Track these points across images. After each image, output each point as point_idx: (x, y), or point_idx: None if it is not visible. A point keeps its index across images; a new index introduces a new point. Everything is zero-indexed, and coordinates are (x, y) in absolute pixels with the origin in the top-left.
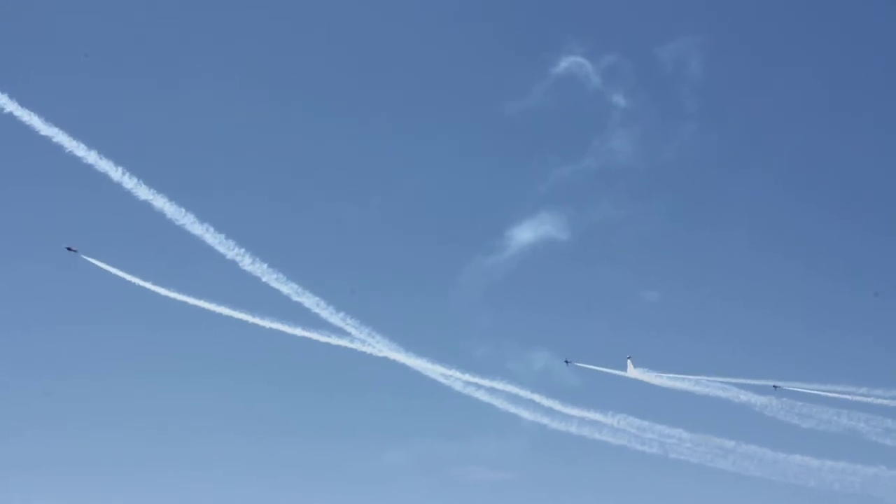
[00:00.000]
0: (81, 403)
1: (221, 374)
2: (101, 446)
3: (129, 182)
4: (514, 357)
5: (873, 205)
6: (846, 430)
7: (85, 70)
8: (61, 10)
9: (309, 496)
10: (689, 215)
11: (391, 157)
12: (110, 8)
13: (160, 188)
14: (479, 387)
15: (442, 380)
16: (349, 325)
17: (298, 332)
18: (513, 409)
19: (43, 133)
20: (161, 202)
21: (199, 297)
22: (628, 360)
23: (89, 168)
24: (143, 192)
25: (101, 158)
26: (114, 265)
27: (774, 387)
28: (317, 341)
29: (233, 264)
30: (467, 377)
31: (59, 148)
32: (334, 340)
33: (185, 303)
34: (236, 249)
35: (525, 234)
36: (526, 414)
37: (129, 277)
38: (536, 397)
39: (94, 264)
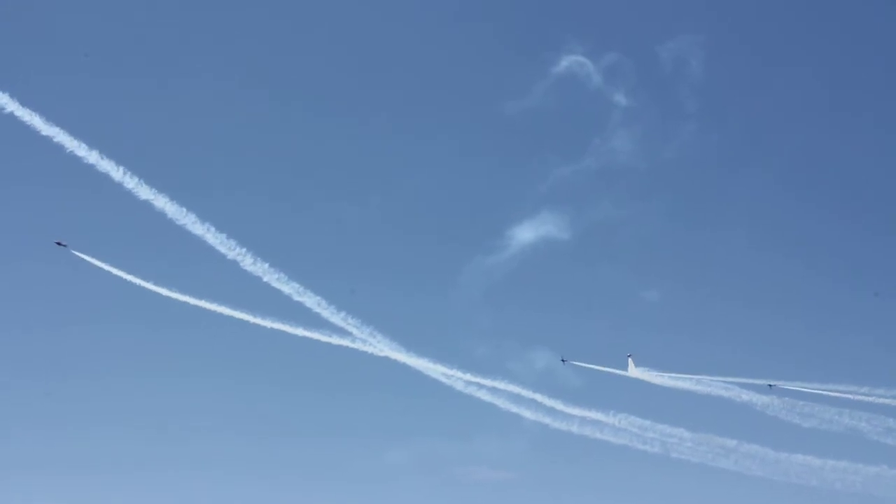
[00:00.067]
0: (81, 403)
1: (222, 374)
2: (101, 446)
3: (130, 182)
4: (515, 357)
5: (873, 205)
6: (848, 430)
7: (85, 70)
8: (61, 10)
9: (310, 496)
10: (689, 215)
11: (391, 157)
12: (110, 8)
13: (161, 188)
14: (480, 386)
15: (443, 379)
16: (350, 324)
17: (300, 332)
18: (514, 408)
19: (44, 133)
20: (162, 202)
21: (200, 297)
22: (629, 359)
23: (90, 168)
24: (144, 192)
25: (102, 159)
26: (116, 266)
27: (770, 386)
28: (318, 341)
29: (234, 264)
30: (468, 377)
31: (59, 148)
32: (335, 340)
33: (185, 303)
34: (237, 249)
35: (526, 233)
36: (527, 414)
37: (116, 272)
38: (538, 397)
39: (85, 260)
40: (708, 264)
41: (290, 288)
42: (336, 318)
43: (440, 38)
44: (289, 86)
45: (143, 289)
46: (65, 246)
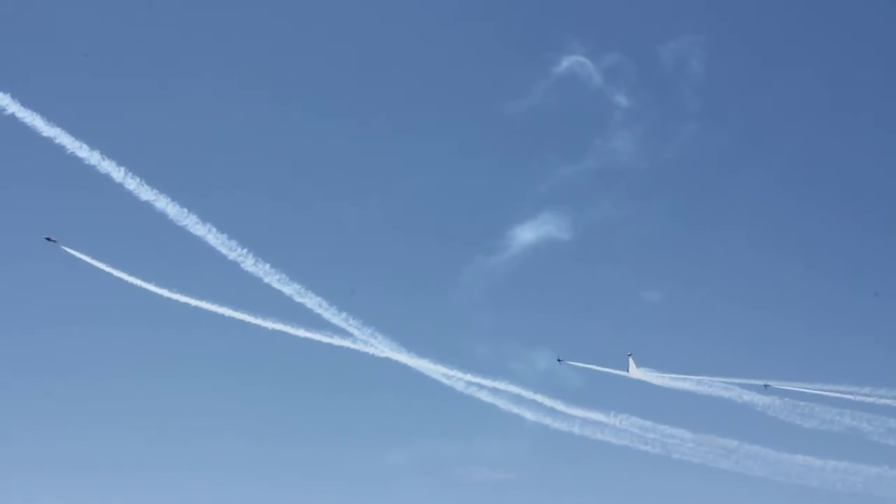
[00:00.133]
0: (81, 403)
1: (223, 375)
2: (101, 446)
3: (131, 183)
4: (516, 357)
5: (873, 205)
6: (849, 430)
7: (85, 70)
8: (61, 10)
9: (311, 496)
10: (689, 215)
11: (391, 157)
12: (110, 8)
13: (161, 188)
14: (481, 387)
15: (444, 380)
16: (351, 325)
17: (301, 333)
18: (515, 409)
19: (45, 134)
20: (163, 203)
21: (201, 298)
22: (629, 358)
23: (91, 169)
24: (145, 193)
25: (103, 159)
26: (118, 267)
27: (765, 386)
28: (319, 342)
29: (234, 265)
30: (469, 377)
31: (60, 149)
32: (336, 341)
33: (186, 304)
34: (238, 250)
35: (526, 234)
36: (528, 414)
37: (117, 273)
38: (539, 398)
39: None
40: (708, 264)
41: (290, 289)
42: (337, 319)
43: (440, 38)
44: (289, 86)
45: (144, 289)
46: (55, 241)
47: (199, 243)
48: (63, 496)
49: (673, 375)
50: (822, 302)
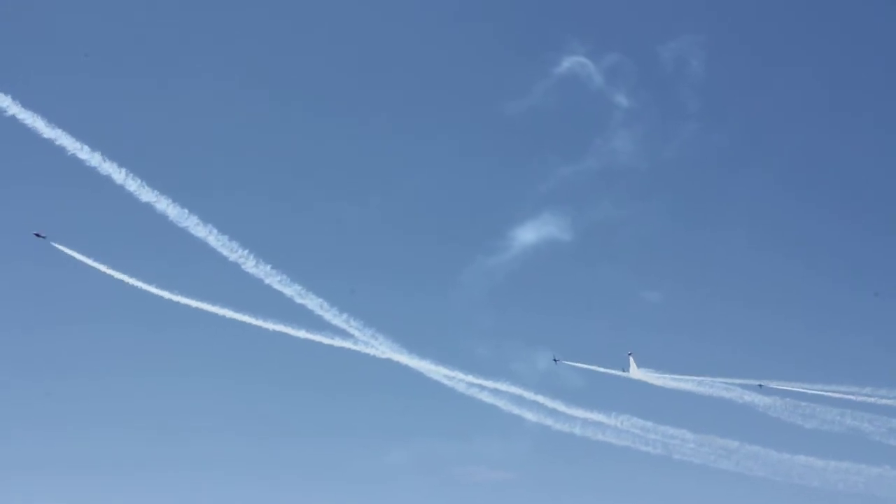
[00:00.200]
0: (81, 403)
1: (223, 375)
2: (101, 446)
3: (132, 184)
4: (516, 357)
5: (873, 205)
6: (850, 431)
7: (85, 70)
8: (61, 10)
9: (310, 496)
10: (690, 215)
11: (391, 157)
12: (110, 8)
13: (161, 189)
14: (482, 388)
15: (445, 381)
16: (352, 326)
17: (302, 334)
18: (516, 410)
19: (46, 136)
20: (164, 204)
21: (202, 299)
22: (630, 357)
23: (93, 170)
24: (146, 195)
25: (104, 161)
26: (119, 269)
27: (760, 385)
28: (320, 343)
29: (235, 266)
30: (470, 378)
31: (61, 150)
32: (338, 342)
33: (186, 305)
34: (239, 251)
35: (527, 234)
36: (529, 415)
37: (118, 275)
38: (540, 398)
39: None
40: (708, 264)
41: (291, 290)
42: (338, 321)
43: (440, 38)
44: (289, 86)
45: (145, 291)
46: (44, 237)
47: (200, 245)
48: (63, 496)
49: (674, 376)
50: (822, 302)
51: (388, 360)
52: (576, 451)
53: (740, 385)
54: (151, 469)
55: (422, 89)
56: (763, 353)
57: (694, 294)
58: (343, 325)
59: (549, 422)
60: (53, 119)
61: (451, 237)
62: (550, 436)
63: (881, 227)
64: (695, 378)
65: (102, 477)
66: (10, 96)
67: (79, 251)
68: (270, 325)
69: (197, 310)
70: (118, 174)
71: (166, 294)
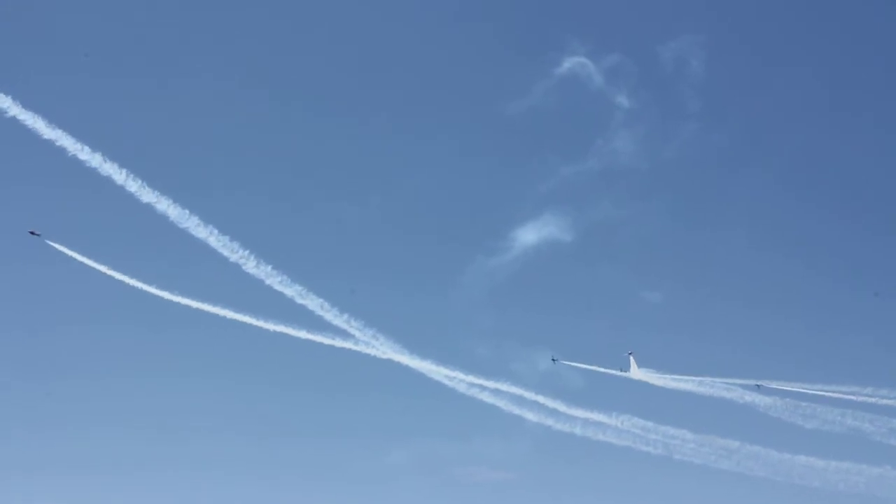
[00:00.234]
0: (81, 403)
1: (223, 375)
2: (101, 446)
3: (133, 185)
4: (517, 357)
5: (873, 205)
6: (851, 431)
7: (85, 70)
8: (61, 10)
9: (311, 496)
10: (690, 215)
11: (391, 157)
12: (110, 8)
13: (161, 189)
14: (482, 388)
15: (446, 382)
16: (353, 327)
17: (303, 334)
18: (517, 410)
19: (46, 136)
20: (164, 205)
21: (203, 300)
22: (630, 357)
23: (93, 171)
24: (147, 195)
25: (105, 161)
26: (120, 269)
27: (757, 385)
28: (320, 343)
29: (236, 267)
30: (471, 378)
31: (62, 151)
32: (338, 343)
33: (187, 305)
34: (240, 252)
35: (528, 235)
36: (530, 415)
37: (119, 276)
38: (540, 398)
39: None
40: (709, 264)
41: (292, 291)
42: (339, 321)
43: (440, 38)
44: (289, 86)
45: (146, 292)
46: (38, 235)
47: (201, 245)
48: (63, 496)
49: (674, 376)
50: (822, 302)
51: (389, 361)
52: (576, 452)
53: (741, 385)
54: (151, 469)
55: (422, 89)
56: (763, 353)
57: (694, 294)
58: (344, 326)
59: (549, 422)
60: (54, 120)
61: (452, 237)
62: (551, 436)
63: (881, 227)
64: (695, 378)
65: (102, 477)
66: (10, 97)
67: (79, 252)
68: (271, 326)
69: (198, 310)
70: (119, 175)
71: (167, 295)
